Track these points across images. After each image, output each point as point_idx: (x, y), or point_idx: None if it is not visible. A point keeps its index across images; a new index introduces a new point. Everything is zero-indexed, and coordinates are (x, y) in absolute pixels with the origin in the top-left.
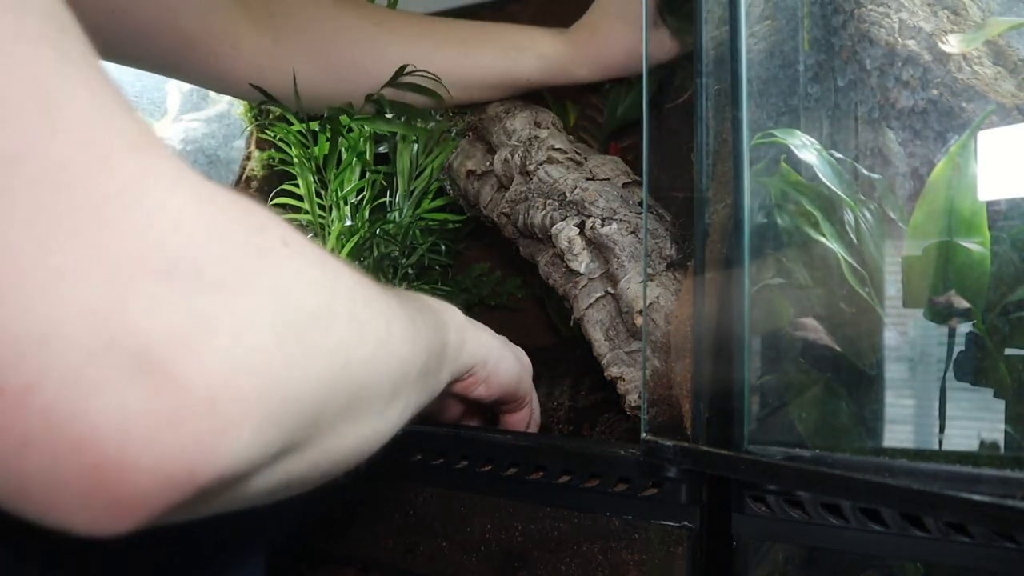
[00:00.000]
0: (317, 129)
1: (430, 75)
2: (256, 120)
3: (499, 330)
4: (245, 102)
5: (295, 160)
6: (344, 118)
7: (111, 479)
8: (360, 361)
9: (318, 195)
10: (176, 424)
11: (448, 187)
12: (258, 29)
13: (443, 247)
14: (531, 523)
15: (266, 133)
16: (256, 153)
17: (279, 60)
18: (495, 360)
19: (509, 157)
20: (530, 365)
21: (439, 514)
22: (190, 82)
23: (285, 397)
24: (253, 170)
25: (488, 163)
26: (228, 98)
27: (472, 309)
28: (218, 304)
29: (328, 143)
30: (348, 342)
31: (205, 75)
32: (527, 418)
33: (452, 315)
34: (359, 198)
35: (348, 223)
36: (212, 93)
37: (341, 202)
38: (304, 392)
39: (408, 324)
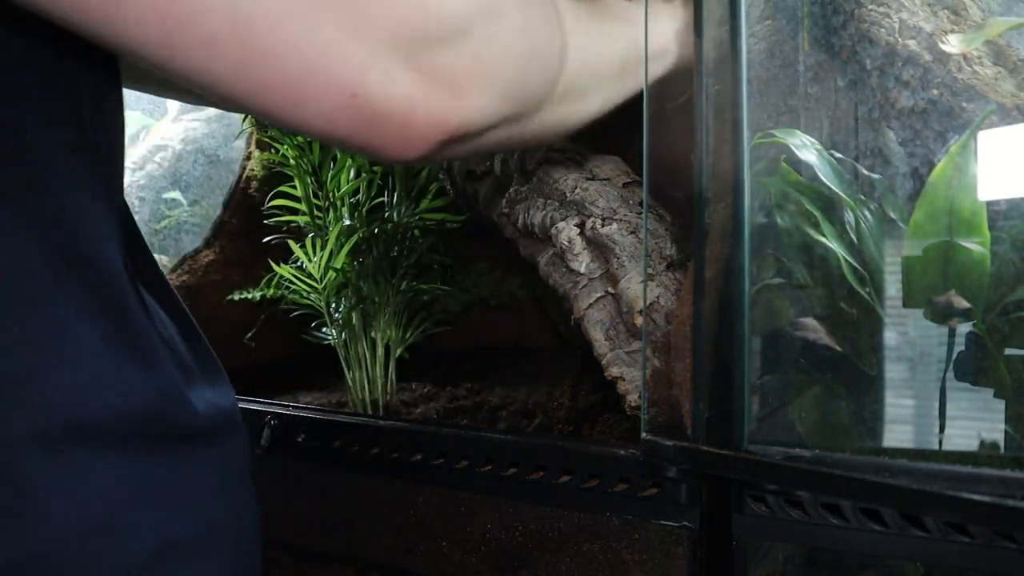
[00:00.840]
0: None
1: None
2: (255, 121)
3: (499, 330)
4: None
5: (291, 162)
6: None
7: (401, 132)
8: (549, 59)
9: (315, 196)
10: (430, 100)
11: (448, 187)
12: None
13: (442, 247)
14: (531, 523)
15: (265, 133)
16: (256, 153)
17: None
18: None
19: (509, 157)
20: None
21: (439, 514)
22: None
23: (504, 83)
24: (253, 170)
25: (488, 163)
26: None
27: (472, 309)
28: (466, 33)
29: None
30: (542, 41)
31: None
32: None
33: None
34: (355, 198)
35: (347, 223)
36: None
37: (338, 203)
38: (515, 82)
39: (592, 30)
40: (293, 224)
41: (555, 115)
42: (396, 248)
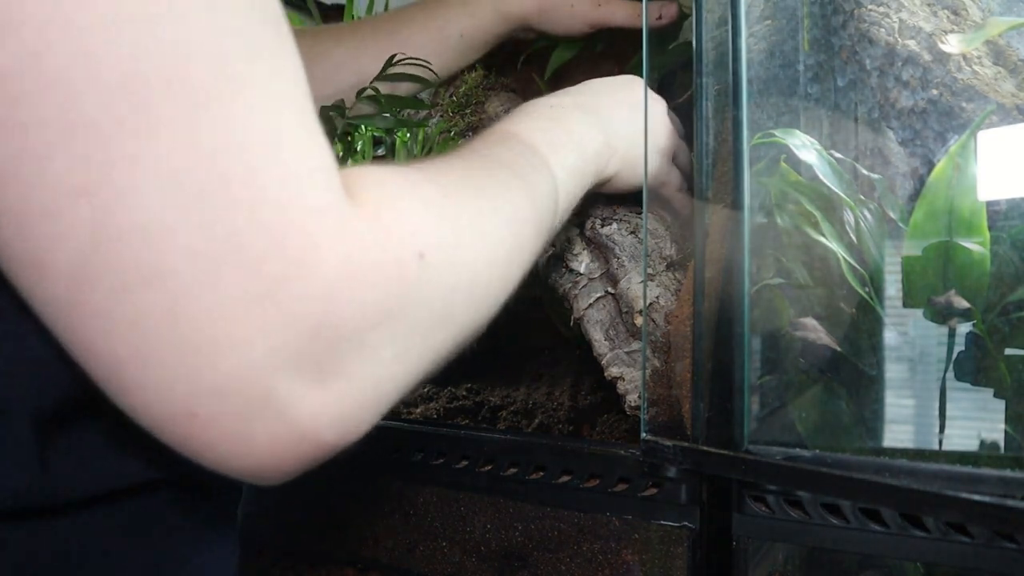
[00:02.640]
0: None
1: (417, 61)
2: None
3: (499, 330)
4: None
5: None
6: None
7: (292, 449)
8: (477, 319)
9: None
10: (296, 446)
11: None
12: None
13: None
14: (531, 523)
15: None
16: None
17: None
18: (627, 171)
19: None
20: (669, 156)
21: (439, 514)
22: None
23: (384, 402)
24: None
25: None
26: None
27: None
28: (355, 358)
29: None
30: (465, 322)
31: None
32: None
33: (584, 139)
34: None
35: None
36: None
37: None
38: (405, 386)
39: (528, 220)
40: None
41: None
42: None
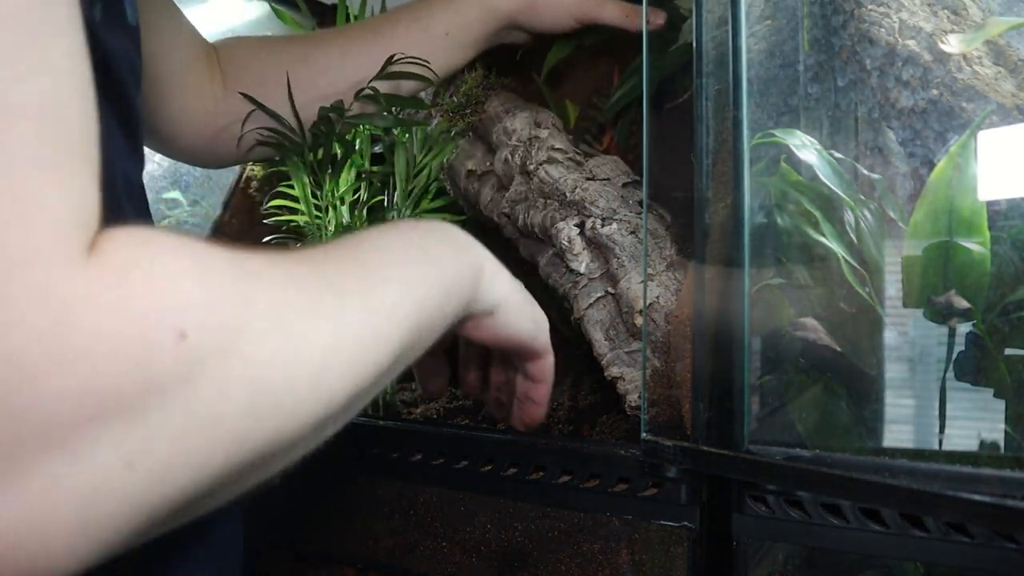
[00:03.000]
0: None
1: (417, 60)
2: None
3: None
4: None
5: (289, 163)
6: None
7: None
8: (278, 438)
9: (314, 195)
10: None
11: (448, 187)
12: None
13: None
14: (531, 523)
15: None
16: None
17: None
18: (505, 312)
19: (509, 157)
20: (546, 324)
21: (439, 514)
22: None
23: (101, 523)
24: (253, 170)
25: (488, 163)
26: None
27: None
28: (50, 461)
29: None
30: (251, 433)
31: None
32: (550, 366)
33: (459, 258)
34: (355, 197)
35: (346, 221)
36: None
37: (337, 202)
38: (148, 506)
39: (376, 318)
40: (293, 224)
41: None
42: None
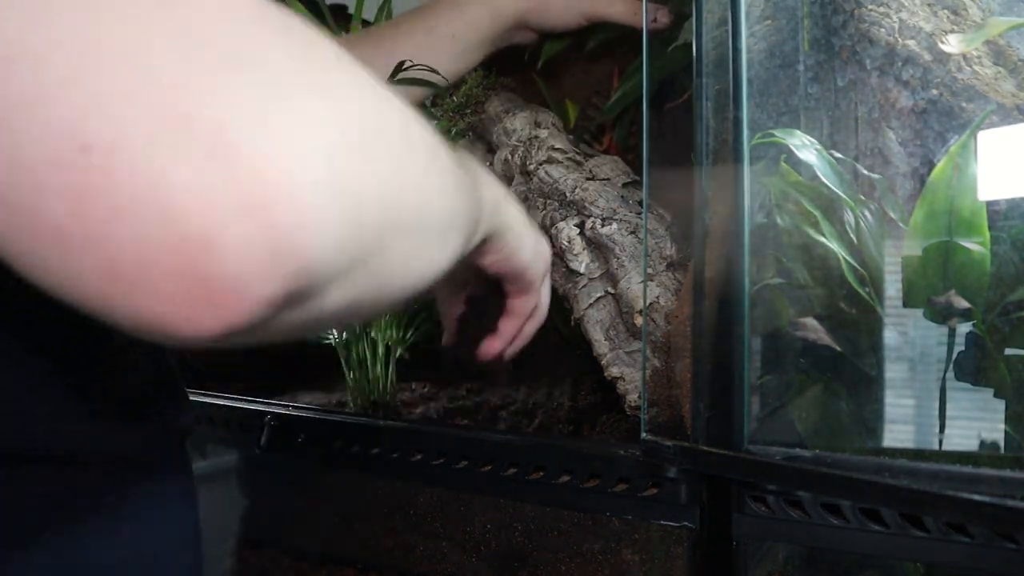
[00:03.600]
0: None
1: (426, 67)
2: None
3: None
4: None
5: None
6: None
7: (200, 256)
8: (415, 180)
9: None
10: (257, 207)
11: None
12: None
13: None
14: (531, 523)
15: None
16: None
17: None
18: (516, 237)
19: (509, 157)
20: (548, 257)
21: (439, 514)
22: None
23: (355, 195)
24: None
25: (488, 163)
26: None
27: None
28: (281, 99)
29: None
30: (403, 159)
31: None
32: (530, 306)
33: (491, 179)
34: None
35: None
36: None
37: None
38: (370, 195)
39: (455, 169)
40: None
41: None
42: None
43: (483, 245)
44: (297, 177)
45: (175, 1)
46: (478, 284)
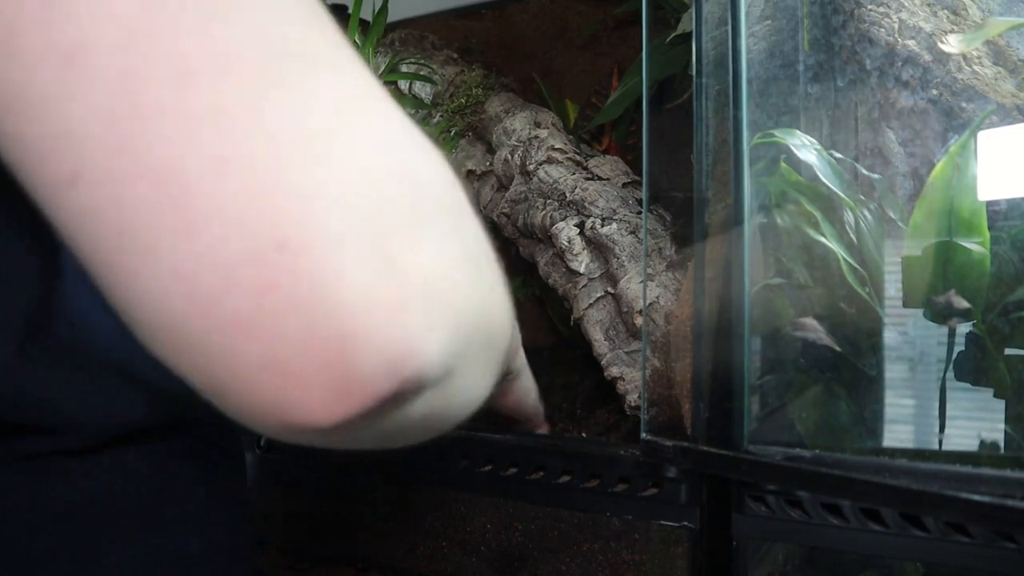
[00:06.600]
0: None
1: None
2: None
3: None
4: None
5: None
6: None
7: (350, 352)
8: (493, 296)
9: None
10: (405, 310)
11: None
12: None
13: None
14: (531, 523)
15: None
16: None
17: None
18: (529, 379)
19: (509, 157)
20: (540, 402)
21: (439, 514)
22: None
23: (462, 309)
24: None
25: (488, 163)
26: None
27: None
28: (433, 222)
29: None
30: (487, 274)
31: None
32: (541, 427)
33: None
34: None
35: None
36: None
37: None
38: (473, 309)
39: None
40: None
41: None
42: None
43: (505, 383)
44: (432, 294)
45: (398, 144)
46: None
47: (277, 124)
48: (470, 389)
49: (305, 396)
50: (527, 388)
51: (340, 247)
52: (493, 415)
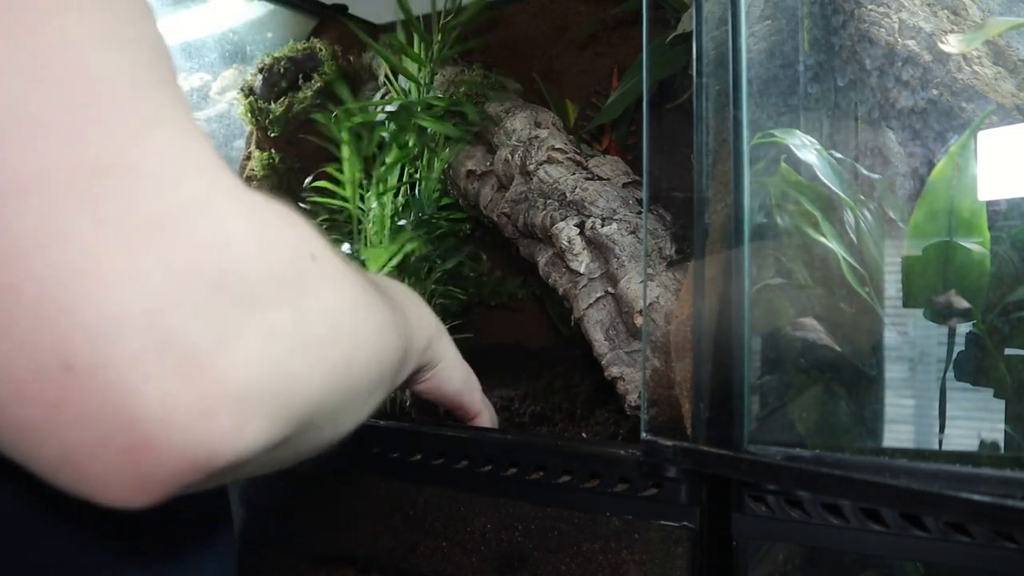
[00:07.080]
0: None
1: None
2: (256, 121)
3: (499, 330)
4: (246, 102)
5: (345, 152)
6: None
7: (148, 458)
8: (358, 366)
9: (360, 185)
10: (210, 416)
11: (448, 187)
12: None
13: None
14: (531, 523)
15: (266, 134)
16: (256, 153)
17: None
18: (444, 369)
19: (509, 157)
20: (476, 385)
21: (439, 514)
22: None
23: (294, 401)
24: (253, 170)
25: (488, 163)
26: (228, 97)
27: (472, 309)
28: (254, 316)
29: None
30: (350, 351)
31: None
32: (472, 418)
33: (422, 312)
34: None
35: (388, 211)
36: (212, 92)
37: (382, 195)
38: (309, 397)
39: (392, 326)
40: (331, 207)
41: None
42: (432, 247)
43: (416, 375)
44: (247, 396)
45: (164, 221)
46: None
47: (67, 250)
48: (343, 424)
49: (105, 491)
50: (445, 378)
51: (132, 367)
52: (429, 406)
